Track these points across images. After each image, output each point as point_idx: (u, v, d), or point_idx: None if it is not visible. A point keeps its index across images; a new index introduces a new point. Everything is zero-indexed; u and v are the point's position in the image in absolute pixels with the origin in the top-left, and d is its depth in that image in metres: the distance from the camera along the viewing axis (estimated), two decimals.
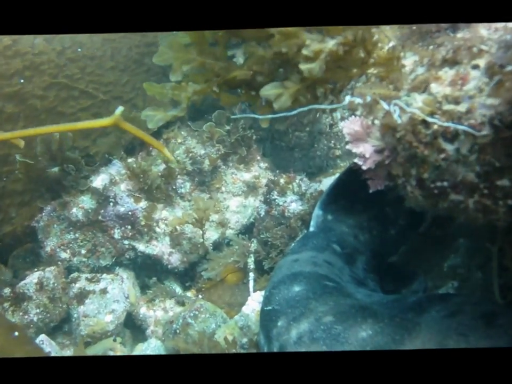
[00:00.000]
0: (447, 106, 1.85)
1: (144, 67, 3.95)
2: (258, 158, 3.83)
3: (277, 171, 3.73)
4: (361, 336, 2.07)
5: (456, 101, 1.84)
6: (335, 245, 2.74)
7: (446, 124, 1.82)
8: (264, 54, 2.24)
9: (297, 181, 3.35)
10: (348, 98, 2.04)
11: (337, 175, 3.29)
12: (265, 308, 2.45)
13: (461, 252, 3.05)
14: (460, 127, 1.80)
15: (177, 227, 3.56)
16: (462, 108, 1.82)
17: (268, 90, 2.22)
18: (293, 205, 3.31)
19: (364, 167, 2.07)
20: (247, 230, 3.78)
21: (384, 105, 1.97)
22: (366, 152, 2.04)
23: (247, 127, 3.72)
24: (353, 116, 2.13)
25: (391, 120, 1.95)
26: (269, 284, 2.59)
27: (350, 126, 2.12)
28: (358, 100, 2.04)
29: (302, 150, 3.98)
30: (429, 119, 1.84)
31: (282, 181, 3.33)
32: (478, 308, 2.24)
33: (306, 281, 2.44)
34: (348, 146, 2.09)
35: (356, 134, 2.11)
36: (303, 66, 2.06)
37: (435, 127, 1.86)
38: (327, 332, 2.13)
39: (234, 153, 3.81)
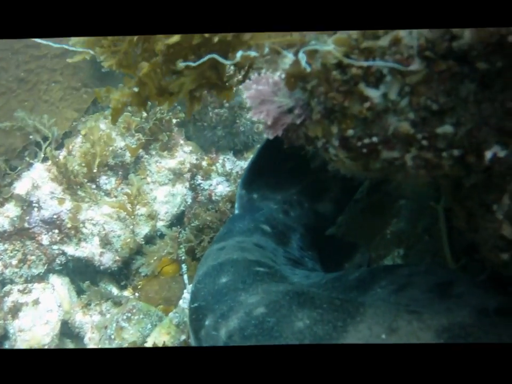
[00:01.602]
0: (365, 43, 1.29)
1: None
2: (182, 142, 3.20)
3: (199, 153, 3.10)
4: (298, 328, 1.52)
5: (375, 35, 1.28)
6: (264, 226, 2.17)
7: (366, 64, 1.26)
8: None
9: (220, 161, 2.77)
10: (239, 54, 1.43)
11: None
12: (191, 306, 1.88)
13: (404, 215, 2.51)
14: (384, 65, 1.24)
15: (105, 226, 2.92)
16: (383, 41, 1.26)
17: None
18: (220, 187, 2.73)
19: (269, 135, 1.49)
20: (179, 220, 3.14)
21: (287, 54, 1.39)
22: (269, 115, 1.45)
23: (165, 110, 3.09)
24: (256, 74, 1.54)
25: (299, 70, 1.37)
26: (194, 277, 2.01)
27: (252, 86, 1.52)
28: (253, 54, 1.44)
29: (225, 127, 3.30)
30: (346, 60, 1.27)
31: (204, 163, 2.75)
32: (429, 278, 1.71)
33: (234, 270, 1.87)
34: (249, 115, 1.50)
35: (260, 95, 1.51)
36: None
37: (354, 70, 1.30)
38: (259, 327, 1.58)
39: (155, 140, 3.16)
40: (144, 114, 3.05)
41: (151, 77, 1.63)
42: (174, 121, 3.12)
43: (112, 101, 1.69)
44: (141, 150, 3.15)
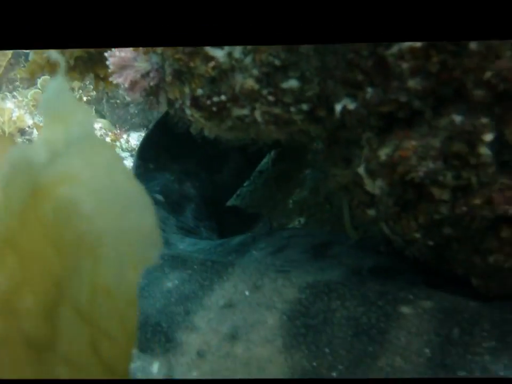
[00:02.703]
0: None
1: None
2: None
3: (104, 130, 3.05)
4: (166, 288, 1.53)
5: None
6: (157, 195, 2.15)
7: None
8: None
9: (125, 136, 2.73)
10: None
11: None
12: None
13: (308, 185, 2.53)
14: None
15: None
16: None
17: None
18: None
19: (130, 98, 1.48)
20: None
21: None
22: (127, 79, 1.44)
23: (77, 88, 3.02)
24: None
25: None
26: None
27: (116, 53, 1.51)
28: None
29: (138, 104, 3.26)
30: None
31: (108, 139, 2.71)
32: (307, 240, 1.73)
33: None
34: (111, 78, 1.48)
35: (122, 61, 1.49)
36: None
37: None
38: None
39: None
40: None
41: None
42: (85, 98, 3.06)
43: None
44: None
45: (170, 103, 1.49)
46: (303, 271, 1.49)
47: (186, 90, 1.38)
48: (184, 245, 1.87)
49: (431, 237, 1.34)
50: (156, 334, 1.44)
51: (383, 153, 1.26)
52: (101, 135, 2.89)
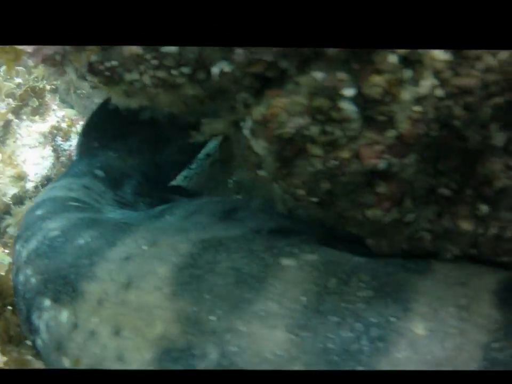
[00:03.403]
0: None
1: None
2: (55, 107, 3.24)
3: (62, 116, 3.15)
4: (78, 244, 1.64)
5: None
6: (97, 170, 2.25)
7: None
8: None
9: (80, 122, 2.82)
10: None
11: None
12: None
13: None
14: None
15: None
16: None
17: None
18: None
19: (33, 62, 1.55)
20: (49, 180, 3.16)
21: None
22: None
23: (41, 78, 3.12)
24: None
25: None
26: None
27: None
28: None
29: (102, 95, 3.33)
30: None
31: (64, 125, 2.81)
32: (218, 205, 1.82)
33: (51, 204, 1.98)
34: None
35: None
36: None
37: None
38: (50, 246, 1.71)
39: (25, 105, 3.17)
40: (18, 80, 3.10)
41: None
42: (48, 87, 3.16)
43: None
44: (12, 115, 3.16)
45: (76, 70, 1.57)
46: (202, 231, 1.56)
47: (84, 57, 1.46)
48: (114, 214, 1.96)
49: (313, 193, 1.39)
50: (65, 286, 1.53)
51: (258, 112, 1.32)
52: (57, 121, 3.01)
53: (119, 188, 2.23)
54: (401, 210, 1.37)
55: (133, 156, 2.34)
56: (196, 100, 1.47)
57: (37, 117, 3.15)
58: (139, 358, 1.34)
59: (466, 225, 1.39)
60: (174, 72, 1.37)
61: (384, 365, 1.23)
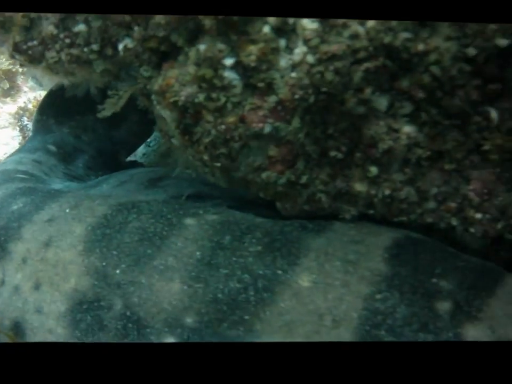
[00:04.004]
0: None
1: None
2: (26, 89, 3.38)
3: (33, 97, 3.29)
4: (11, 209, 1.78)
5: None
6: (50, 146, 2.38)
7: None
8: None
9: None
10: None
11: None
12: None
13: None
14: None
15: None
16: None
17: None
18: None
19: None
20: None
21: None
22: None
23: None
24: None
25: None
26: None
27: None
28: None
29: None
30: None
31: (31, 106, 2.95)
32: (147, 175, 1.95)
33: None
34: None
35: None
36: None
37: None
38: None
39: None
40: None
41: None
42: (20, 69, 3.30)
43: None
44: None
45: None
46: (124, 196, 1.69)
47: (10, 38, 1.58)
48: (61, 186, 2.09)
49: (215, 158, 1.50)
50: None
51: (156, 83, 1.43)
52: (24, 102, 3.15)
53: (70, 162, 2.37)
54: (295, 173, 1.47)
55: (87, 132, 2.47)
56: (108, 74, 1.58)
57: (8, 99, 3.30)
58: (55, 310, 1.48)
59: (359, 187, 1.48)
60: (85, 49, 1.49)
61: (269, 314, 1.34)
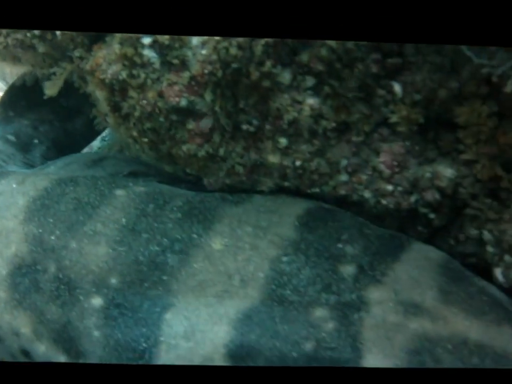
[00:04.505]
0: None
1: None
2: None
3: None
4: None
5: None
6: (10, 136, 2.54)
7: None
8: None
9: None
10: None
11: None
12: None
13: None
14: None
15: None
16: None
17: None
18: None
19: None
20: None
21: None
22: None
23: None
24: None
25: None
26: None
27: None
28: None
29: None
30: None
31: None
32: (90, 157, 2.11)
33: None
34: None
35: None
36: None
37: None
38: None
39: None
40: None
41: None
42: None
43: None
44: None
45: None
46: (66, 175, 1.83)
47: None
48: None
49: (142, 133, 1.65)
50: None
51: (87, 64, 1.60)
52: None
53: (28, 152, 2.52)
54: (212, 146, 1.61)
55: (44, 124, 2.63)
56: (49, 57, 1.74)
57: None
58: None
59: (272, 158, 1.62)
60: (28, 34, 1.65)
61: (184, 274, 1.47)
